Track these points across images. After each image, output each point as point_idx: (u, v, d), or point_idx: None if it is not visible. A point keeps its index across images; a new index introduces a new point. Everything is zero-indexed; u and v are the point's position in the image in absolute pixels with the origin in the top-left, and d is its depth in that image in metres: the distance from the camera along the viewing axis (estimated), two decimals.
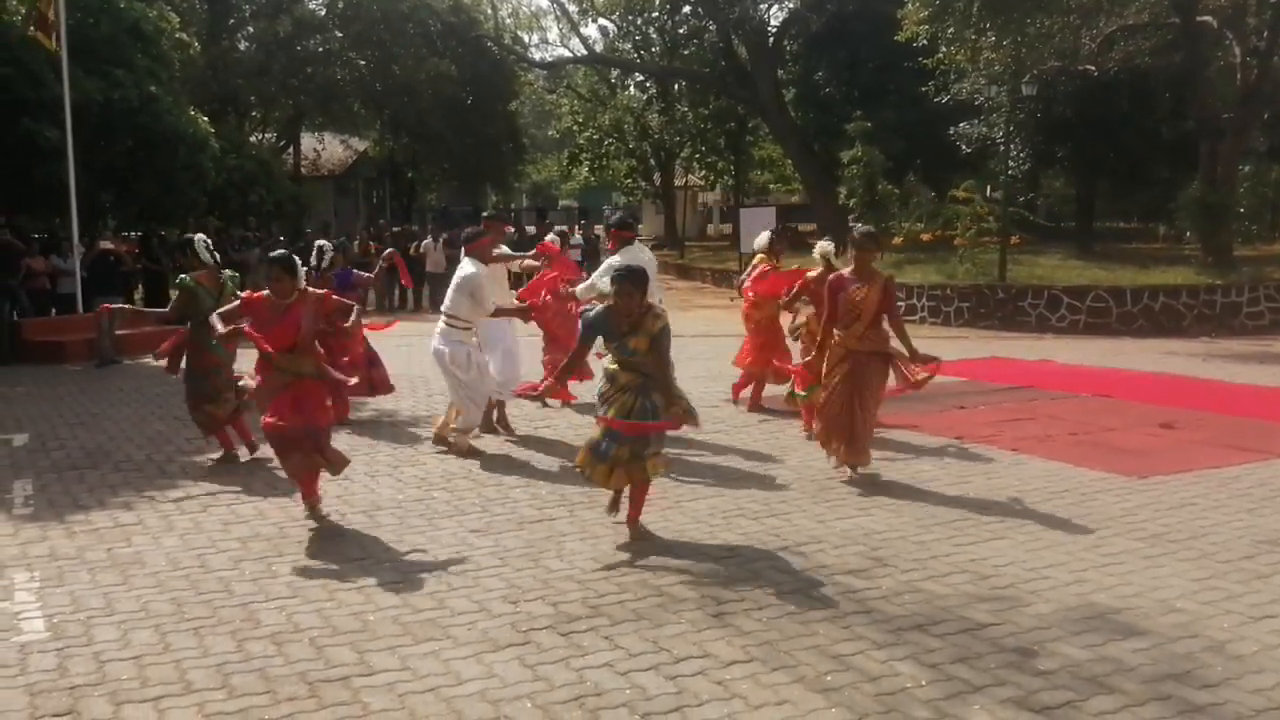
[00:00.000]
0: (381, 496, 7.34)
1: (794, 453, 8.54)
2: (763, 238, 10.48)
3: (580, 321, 6.53)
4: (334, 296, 6.95)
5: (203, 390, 8.37)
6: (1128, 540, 6.14)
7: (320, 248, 10.74)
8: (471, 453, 8.51)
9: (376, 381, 10.10)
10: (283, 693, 4.28)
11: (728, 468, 8.07)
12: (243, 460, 8.45)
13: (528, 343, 9.91)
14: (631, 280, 6.04)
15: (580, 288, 9.41)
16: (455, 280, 8.63)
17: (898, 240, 21.98)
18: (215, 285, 8.51)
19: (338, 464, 6.70)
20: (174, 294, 8.88)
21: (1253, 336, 16.91)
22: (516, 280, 11.05)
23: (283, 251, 6.88)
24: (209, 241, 8.82)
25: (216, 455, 8.54)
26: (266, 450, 7.54)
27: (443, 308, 8.72)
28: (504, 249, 9.70)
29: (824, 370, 7.75)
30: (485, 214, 10.08)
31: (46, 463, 8.58)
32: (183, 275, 8.67)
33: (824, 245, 9.44)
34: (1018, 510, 6.81)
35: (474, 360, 8.52)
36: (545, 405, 10.09)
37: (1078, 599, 5.23)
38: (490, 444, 8.98)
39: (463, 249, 8.89)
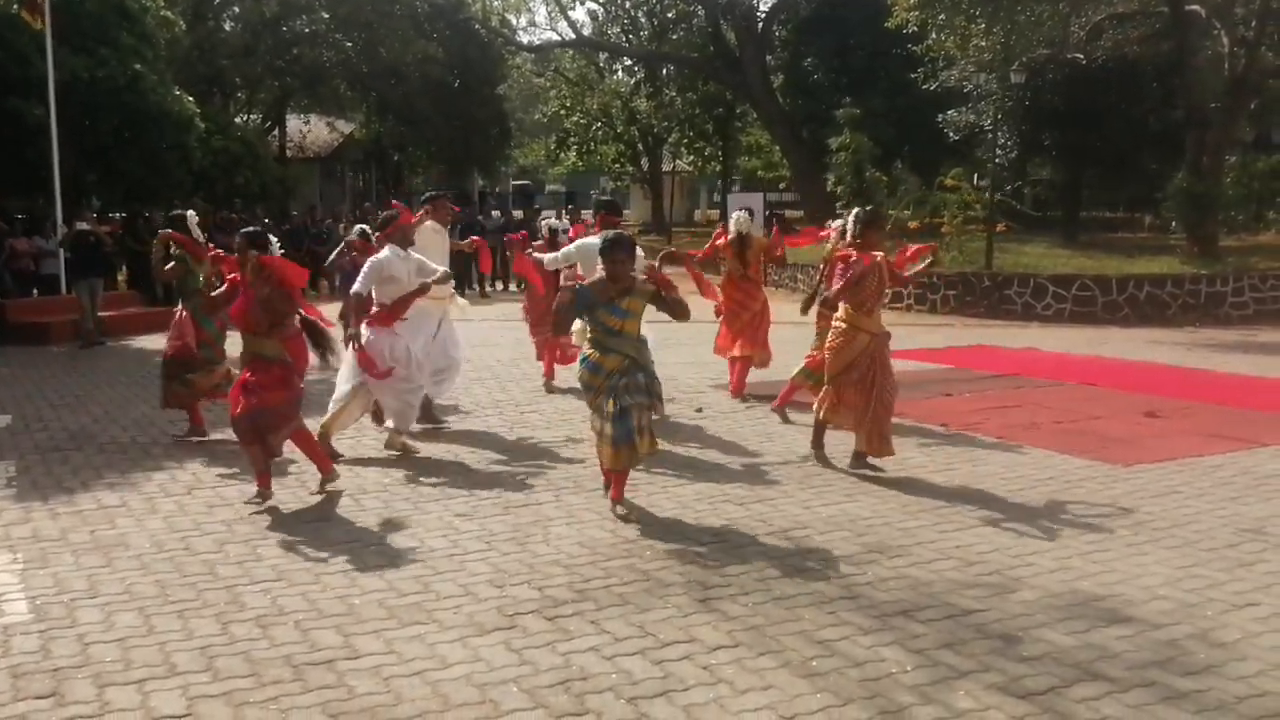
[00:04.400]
0: (367, 480, 7.32)
1: (780, 438, 8.54)
2: (742, 217, 10.31)
3: (572, 293, 6.48)
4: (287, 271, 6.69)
5: (188, 362, 8.41)
6: (1112, 528, 6.16)
7: (364, 231, 10.85)
8: (405, 449, 8.02)
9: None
10: (268, 676, 4.27)
11: (714, 453, 8.07)
12: (202, 440, 8.52)
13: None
14: (622, 247, 6.20)
15: (549, 257, 9.14)
16: (363, 269, 8.03)
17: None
18: (207, 258, 8.59)
19: (272, 451, 6.63)
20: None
21: (1237, 326, 16.98)
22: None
23: (255, 228, 6.88)
24: (198, 218, 8.90)
25: (182, 431, 8.64)
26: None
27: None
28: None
29: (838, 355, 7.30)
30: (427, 194, 9.84)
31: (30, 444, 8.53)
32: (178, 249, 8.68)
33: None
34: (1003, 497, 6.82)
35: (412, 354, 8.05)
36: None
37: (1062, 586, 5.25)
38: (479, 426, 8.97)
39: (377, 236, 8.42)
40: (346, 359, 7.95)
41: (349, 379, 7.93)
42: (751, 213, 10.52)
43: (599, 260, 6.40)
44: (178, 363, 8.46)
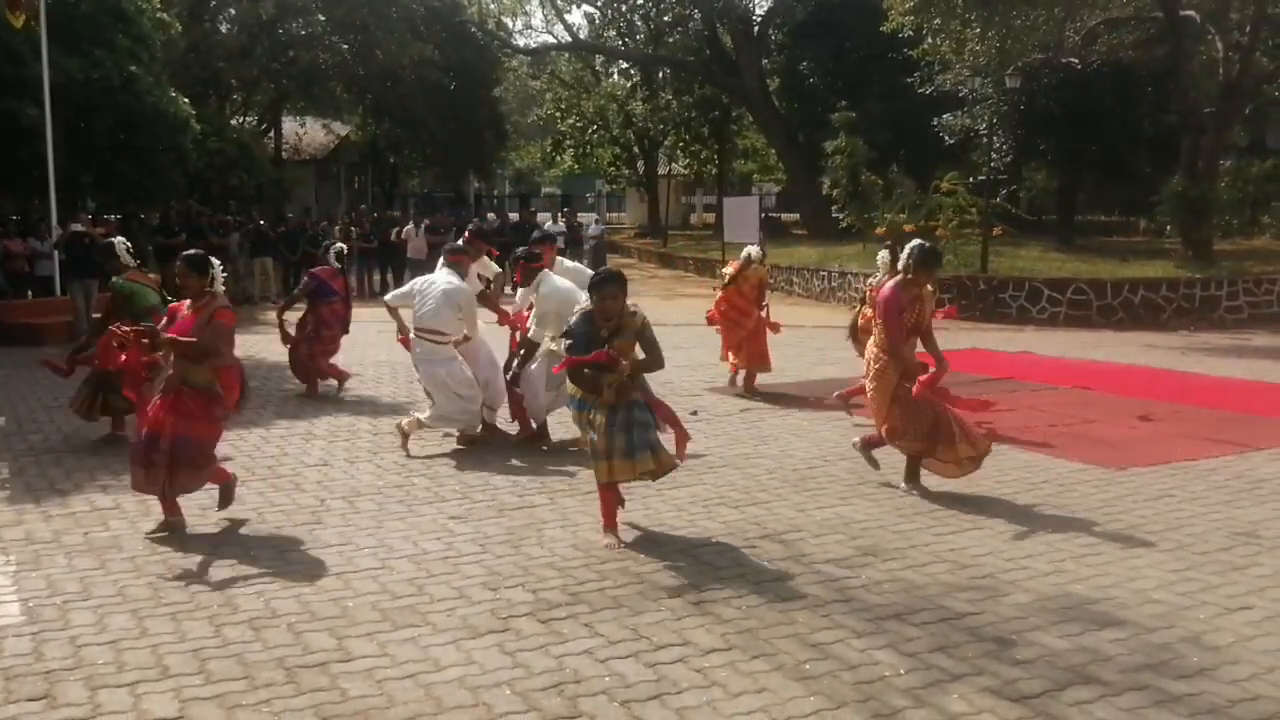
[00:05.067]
0: (361, 482, 7.31)
1: (775, 441, 8.55)
2: (755, 251, 11.10)
3: (565, 335, 6.30)
4: (231, 317, 6.38)
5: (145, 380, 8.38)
6: (1106, 531, 6.17)
7: (340, 252, 11.32)
8: (405, 437, 8.21)
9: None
10: (260, 679, 4.26)
11: (709, 456, 8.07)
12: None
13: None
14: (614, 283, 5.93)
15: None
16: (442, 293, 8.17)
17: (880, 230, 22.01)
18: (149, 281, 8.49)
19: (184, 489, 6.23)
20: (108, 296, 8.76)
21: (1231, 330, 17.03)
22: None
23: (196, 251, 6.55)
24: (128, 244, 8.68)
25: (105, 434, 8.69)
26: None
27: (422, 324, 8.18)
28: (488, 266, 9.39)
29: (880, 386, 7.05)
30: (470, 227, 9.91)
31: (23, 446, 8.52)
32: (115, 278, 8.47)
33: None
34: (997, 500, 6.83)
35: (469, 376, 8.25)
36: None
37: (1056, 589, 5.25)
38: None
39: (442, 260, 8.58)
40: (447, 392, 8.16)
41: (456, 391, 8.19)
42: (764, 253, 11.41)
43: (576, 305, 6.29)
44: (110, 376, 8.25)
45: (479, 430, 8.55)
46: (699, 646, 4.55)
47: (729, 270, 11.26)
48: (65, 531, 6.20)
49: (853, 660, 4.43)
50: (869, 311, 8.38)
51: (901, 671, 4.32)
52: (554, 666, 4.37)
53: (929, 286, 7.18)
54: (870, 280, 9.66)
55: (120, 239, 8.90)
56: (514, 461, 7.93)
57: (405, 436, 8.22)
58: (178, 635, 4.68)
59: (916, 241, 7.31)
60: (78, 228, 15.42)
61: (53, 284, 16.73)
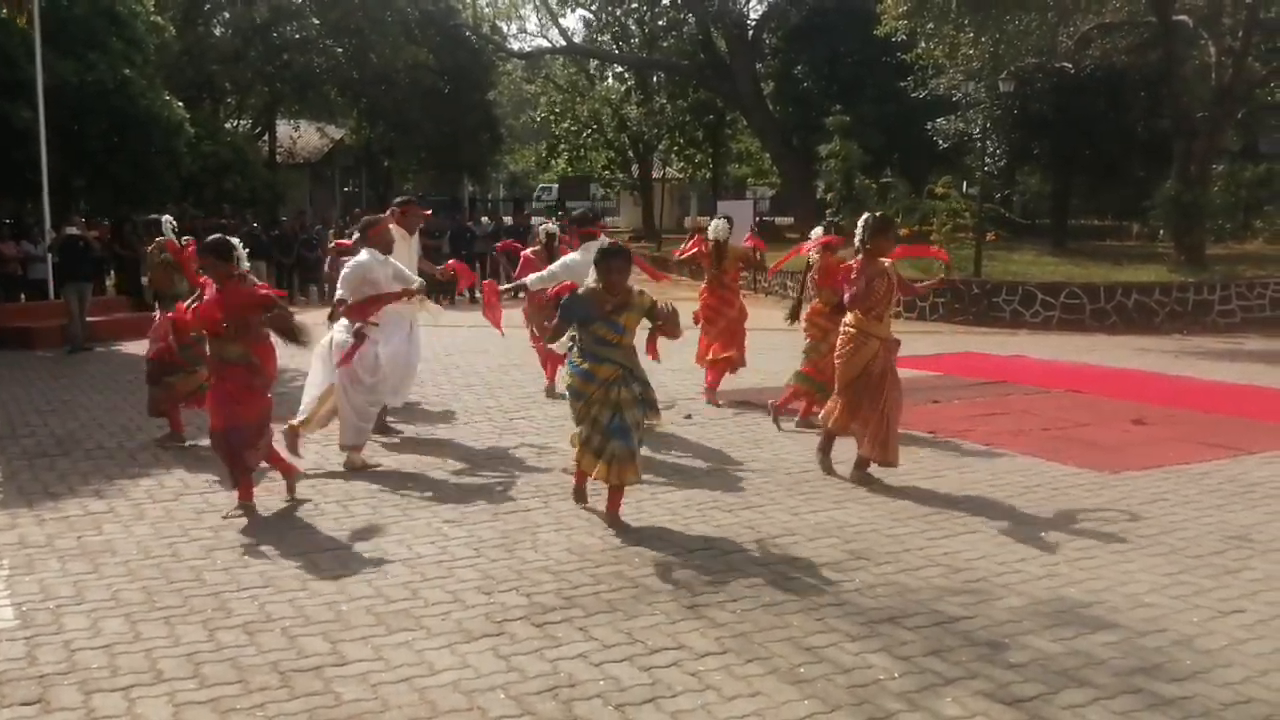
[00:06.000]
0: (355, 486, 7.30)
1: (770, 445, 8.56)
2: (720, 225, 10.35)
3: (559, 306, 6.56)
4: (263, 293, 6.67)
5: (170, 365, 8.41)
6: (1099, 535, 6.18)
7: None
8: (365, 467, 7.70)
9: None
10: (254, 682, 4.26)
11: (703, 460, 8.08)
12: (186, 445, 8.50)
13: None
14: (620, 258, 6.26)
15: (532, 278, 8.85)
16: (343, 272, 7.75)
17: None
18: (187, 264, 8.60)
19: (248, 468, 6.63)
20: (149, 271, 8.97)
21: (1224, 334, 17.05)
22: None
23: (216, 236, 6.81)
24: (174, 223, 8.90)
25: (162, 434, 8.64)
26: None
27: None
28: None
29: (849, 363, 7.24)
30: (398, 199, 9.59)
31: (16, 449, 8.50)
32: (164, 254, 8.70)
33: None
34: (990, 504, 6.84)
35: (380, 363, 7.81)
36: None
37: (1049, 593, 5.26)
38: (468, 433, 8.98)
39: (361, 236, 8.03)
40: (321, 359, 7.82)
41: (322, 381, 7.84)
42: (730, 221, 10.54)
43: (589, 275, 6.44)
44: (160, 366, 8.47)
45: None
46: (693, 650, 4.56)
47: (692, 250, 10.63)
48: (59, 535, 6.19)
49: (846, 664, 4.43)
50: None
51: (895, 675, 4.33)
52: (548, 670, 4.37)
53: (889, 261, 7.36)
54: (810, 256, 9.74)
55: (168, 217, 9.11)
56: (508, 465, 7.92)
57: (365, 465, 7.78)
58: (172, 639, 4.68)
59: (867, 214, 7.57)
60: (73, 231, 15.39)
61: (46, 287, 16.70)
